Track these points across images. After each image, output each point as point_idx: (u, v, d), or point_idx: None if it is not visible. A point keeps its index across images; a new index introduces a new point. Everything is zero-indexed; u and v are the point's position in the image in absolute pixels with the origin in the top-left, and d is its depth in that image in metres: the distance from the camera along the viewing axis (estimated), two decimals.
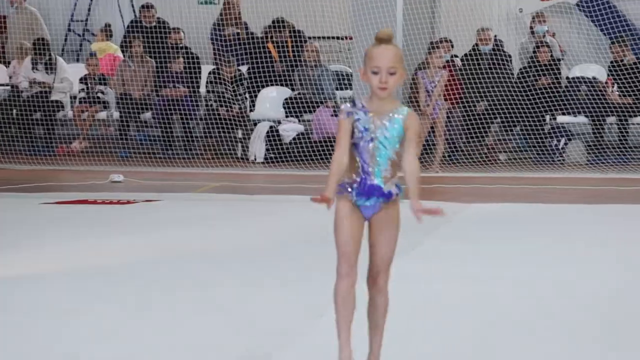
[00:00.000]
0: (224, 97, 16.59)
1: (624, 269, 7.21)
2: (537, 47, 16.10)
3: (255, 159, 16.09)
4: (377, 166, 4.36)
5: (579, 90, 15.93)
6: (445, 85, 15.14)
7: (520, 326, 5.59)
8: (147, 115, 17.14)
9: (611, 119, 15.79)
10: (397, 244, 4.39)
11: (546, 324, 5.60)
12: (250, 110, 16.93)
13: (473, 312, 5.88)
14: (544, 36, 16.56)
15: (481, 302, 6.17)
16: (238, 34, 17.64)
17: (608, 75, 16.01)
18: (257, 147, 16.14)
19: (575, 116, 15.91)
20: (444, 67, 15.26)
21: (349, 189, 4.36)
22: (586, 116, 15.81)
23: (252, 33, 17.80)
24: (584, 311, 5.94)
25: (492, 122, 16.05)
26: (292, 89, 16.95)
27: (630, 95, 15.66)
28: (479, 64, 16.10)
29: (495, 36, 16.45)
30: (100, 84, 17.47)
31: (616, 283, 6.77)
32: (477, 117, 15.80)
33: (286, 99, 16.72)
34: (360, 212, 4.37)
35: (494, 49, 16.20)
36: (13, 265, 7.32)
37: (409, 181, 4.37)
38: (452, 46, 16.27)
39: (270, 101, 16.92)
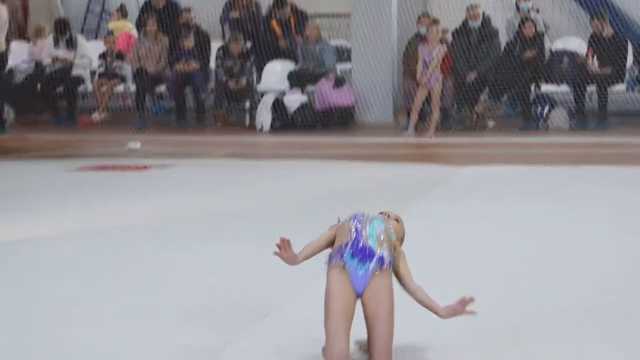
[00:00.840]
0: (232, 71, 16.51)
1: (609, 225, 7.17)
2: (523, 22, 16.03)
3: (262, 128, 16.05)
4: (371, 227, 3.92)
5: (562, 62, 15.87)
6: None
7: (512, 278, 5.55)
8: (162, 88, 17.11)
9: (591, 88, 15.74)
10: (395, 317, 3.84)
11: (535, 281, 5.55)
12: (257, 83, 16.87)
13: (467, 267, 5.85)
14: (528, 12, 16.47)
15: (473, 258, 6.14)
16: (247, 14, 17.55)
17: (588, 47, 15.95)
18: (264, 116, 16.09)
19: (558, 85, 15.88)
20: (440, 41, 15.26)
21: (341, 254, 3.86)
22: (568, 85, 15.77)
23: (258, 12, 17.71)
24: (575, 268, 5.89)
25: (482, 92, 16.02)
26: (296, 63, 16.88)
27: (608, 66, 15.61)
28: (468, 39, 16.03)
29: (484, 12, 16.36)
30: (118, 59, 17.40)
31: (604, 237, 6.72)
32: (467, 87, 15.76)
33: (290, 72, 16.65)
34: (352, 285, 3.81)
35: (482, 25, 16.12)
36: (40, 226, 7.30)
37: (422, 299, 3.92)
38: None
39: (276, 74, 16.86)
